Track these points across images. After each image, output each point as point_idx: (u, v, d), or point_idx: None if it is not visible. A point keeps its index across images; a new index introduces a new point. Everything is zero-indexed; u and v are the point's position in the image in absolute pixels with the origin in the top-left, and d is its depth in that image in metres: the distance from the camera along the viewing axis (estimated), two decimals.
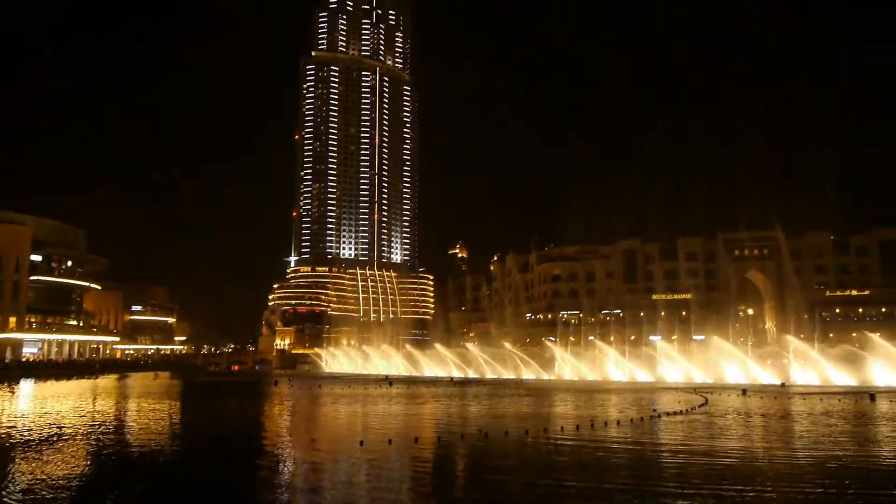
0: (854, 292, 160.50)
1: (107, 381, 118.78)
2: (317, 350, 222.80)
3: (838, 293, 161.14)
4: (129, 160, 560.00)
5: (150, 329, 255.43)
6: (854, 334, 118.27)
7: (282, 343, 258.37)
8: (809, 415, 52.69)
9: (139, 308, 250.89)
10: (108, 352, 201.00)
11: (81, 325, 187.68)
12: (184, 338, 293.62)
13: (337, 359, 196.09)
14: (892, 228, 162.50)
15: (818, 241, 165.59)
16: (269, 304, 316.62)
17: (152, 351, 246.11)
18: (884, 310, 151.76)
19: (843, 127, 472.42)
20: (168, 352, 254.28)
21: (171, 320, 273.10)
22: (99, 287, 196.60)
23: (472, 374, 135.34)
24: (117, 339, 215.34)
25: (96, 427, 46.72)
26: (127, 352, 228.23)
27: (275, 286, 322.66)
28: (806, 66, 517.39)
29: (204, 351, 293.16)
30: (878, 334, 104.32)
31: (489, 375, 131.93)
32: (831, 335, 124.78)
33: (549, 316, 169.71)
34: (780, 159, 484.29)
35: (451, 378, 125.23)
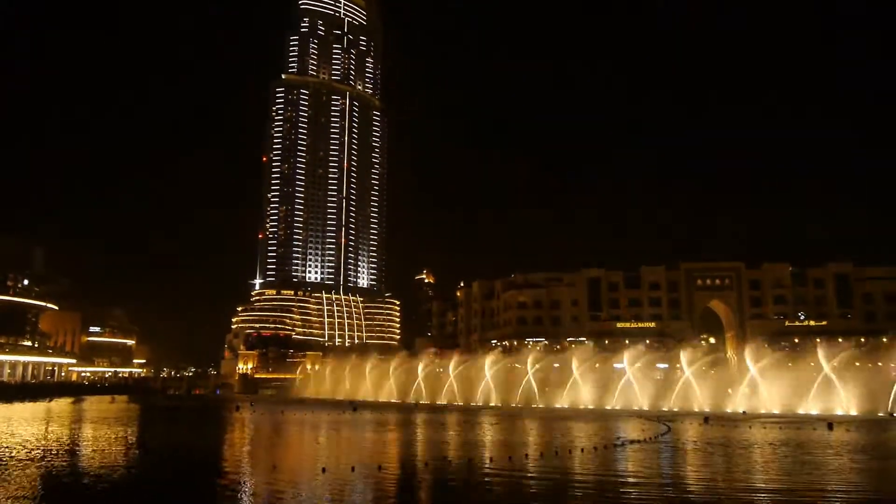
0: (812, 323, 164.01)
1: (61, 405, 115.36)
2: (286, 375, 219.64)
3: (797, 323, 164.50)
4: (93, 178, 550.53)
5: (108, 351, 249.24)
6: (812, 363, 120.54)
7: (244, 367, 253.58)
8: (770, 445, 53.24)
9: (97, 329, 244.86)
10: (63, 374, 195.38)
11: (36, 345, 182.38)
12: (143, 360, 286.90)
13: (304, 383, 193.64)
14: (846, 263, 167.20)
15: (777, 273, 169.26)
16: (233, 327, 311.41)
17: (110, 374, 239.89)
18: (840, 340, 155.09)
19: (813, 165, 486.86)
20: (126, 374, 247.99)
21: (130, 342, 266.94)
22: (56, 307, 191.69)
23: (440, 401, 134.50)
24: (74, 361, 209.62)
25: (47, 453, 45.19)
26: (83, 374, 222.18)
27: (238, 309, 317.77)
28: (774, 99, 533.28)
29: (163, 374, 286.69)
30: (835, 362, 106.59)
31: (457, 402, 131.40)
32: (790, 364, 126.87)
33: (515, 343, 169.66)
34: (744, 193, 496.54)
35: (416, 403, 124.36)
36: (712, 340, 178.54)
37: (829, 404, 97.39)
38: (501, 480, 35.10)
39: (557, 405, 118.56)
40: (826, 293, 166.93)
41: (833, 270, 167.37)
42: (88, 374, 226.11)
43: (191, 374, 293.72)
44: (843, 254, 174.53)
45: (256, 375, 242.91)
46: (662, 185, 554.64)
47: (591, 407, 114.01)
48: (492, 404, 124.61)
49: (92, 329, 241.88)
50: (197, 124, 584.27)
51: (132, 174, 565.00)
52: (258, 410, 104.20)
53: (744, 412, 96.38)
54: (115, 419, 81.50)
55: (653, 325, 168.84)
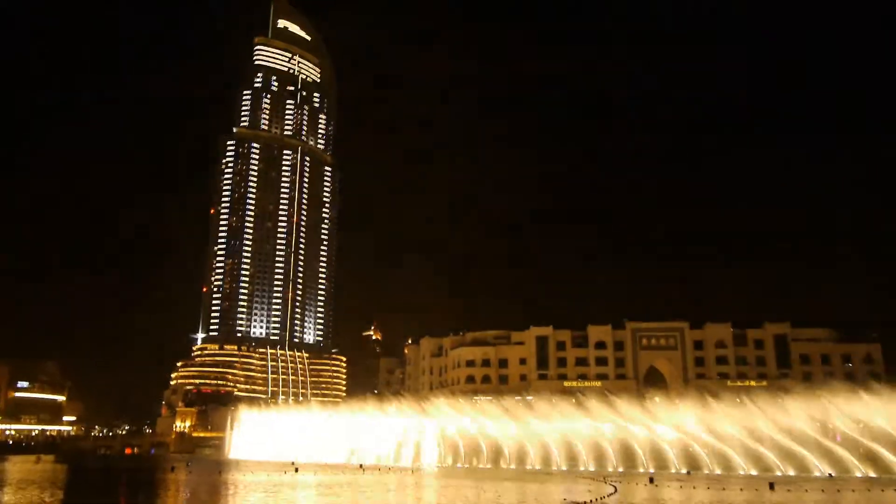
0: (752, 383, 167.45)
1: None
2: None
3: (738, 383, 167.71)
4: (27, 224, 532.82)
5: (36, 408, 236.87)
6: (753, 423, 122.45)
7: (182, 425, 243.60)
8: None
9: (26, 384, 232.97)
10: None
11: None
12: (73, 418, 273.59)
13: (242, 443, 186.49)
14: (784, 324, 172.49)
15: (719, 333, 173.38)
16: (171, 383, 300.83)
17: (37, 432, 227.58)
18: (779, 400, 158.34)
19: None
20: (55, 433, 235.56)
21: (60, 398, 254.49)
22: None
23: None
24: None
25: None
26: (8, 432, 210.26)
27: (178, 364, 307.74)
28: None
29: (95, 432, 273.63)
30: (774, 422, 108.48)
31: (401, 462, 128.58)
32: (730, 424, 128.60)
33: (462, 401, 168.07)
34: (687, 255, 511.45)
35: (361, 465, 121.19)
36: (657, 399, 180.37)
37: (769, 464, 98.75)
38: None
39: (503, 465, 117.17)
40: (765, 353, 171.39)
41: (771, 331, 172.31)
42: (13, 433, 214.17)
43: (125, 432, 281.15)
44: (779, 314, 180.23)
45: (195, 434, 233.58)
46: (609, 248, 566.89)
47: (537, 467, 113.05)
48: (438, 464, 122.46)
49: (20, 384, 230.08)
50: (140, 173, 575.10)
51: (72, 223, 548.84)
52: (194, 471, 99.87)
53: (688, 472, 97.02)
54: (38, 482, 76.94)
55: (598, 384, 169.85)
